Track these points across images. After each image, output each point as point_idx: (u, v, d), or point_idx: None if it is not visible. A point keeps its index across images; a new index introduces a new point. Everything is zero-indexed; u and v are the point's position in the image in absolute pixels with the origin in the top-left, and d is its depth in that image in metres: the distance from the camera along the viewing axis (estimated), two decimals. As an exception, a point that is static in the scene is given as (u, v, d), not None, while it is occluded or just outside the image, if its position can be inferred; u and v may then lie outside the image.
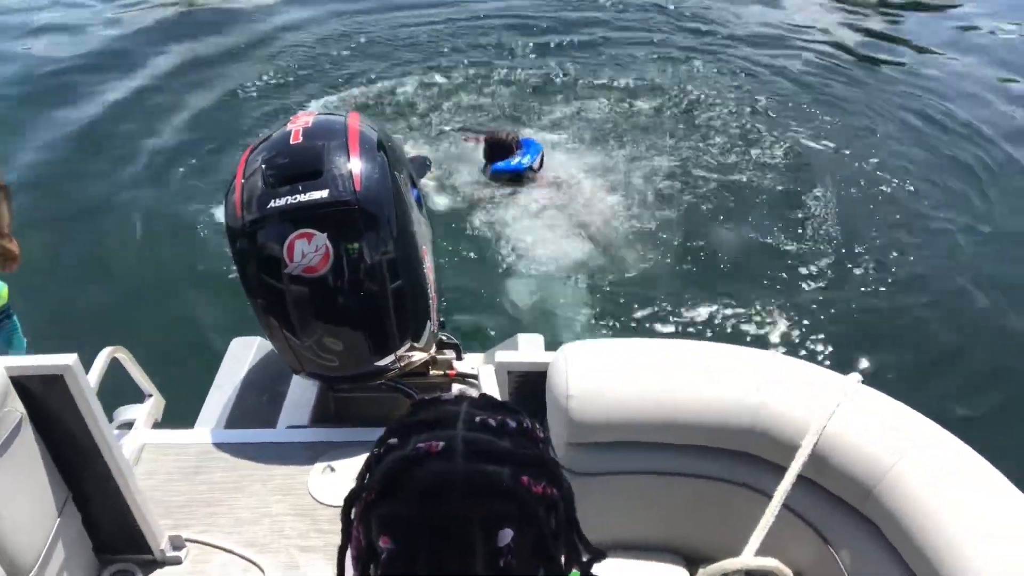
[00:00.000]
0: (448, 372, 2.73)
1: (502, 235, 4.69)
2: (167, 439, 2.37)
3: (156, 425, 2.49)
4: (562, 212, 4.90)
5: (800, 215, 4.93)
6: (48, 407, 1.70)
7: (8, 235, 2.78)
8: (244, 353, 2.83)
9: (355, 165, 2.07)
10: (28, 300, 4.18)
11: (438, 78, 6.84)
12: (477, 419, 0.80)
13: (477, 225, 4.77)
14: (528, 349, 2.70)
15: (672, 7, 8.39)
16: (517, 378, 1.68)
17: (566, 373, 1.48)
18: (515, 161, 4.94)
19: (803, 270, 4.44)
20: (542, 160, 5.07)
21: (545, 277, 4.38)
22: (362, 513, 0.78)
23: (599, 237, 4.74)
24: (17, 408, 1.64)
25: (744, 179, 5.30)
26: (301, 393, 2.70)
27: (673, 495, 1.52)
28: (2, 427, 1.58)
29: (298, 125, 2.16)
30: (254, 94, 6.62)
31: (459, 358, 2.77)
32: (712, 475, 1.50)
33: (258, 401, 2.66)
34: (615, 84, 6.71)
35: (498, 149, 4.97)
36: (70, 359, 1.65)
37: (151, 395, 2.51)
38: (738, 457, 1.49)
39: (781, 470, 1.41)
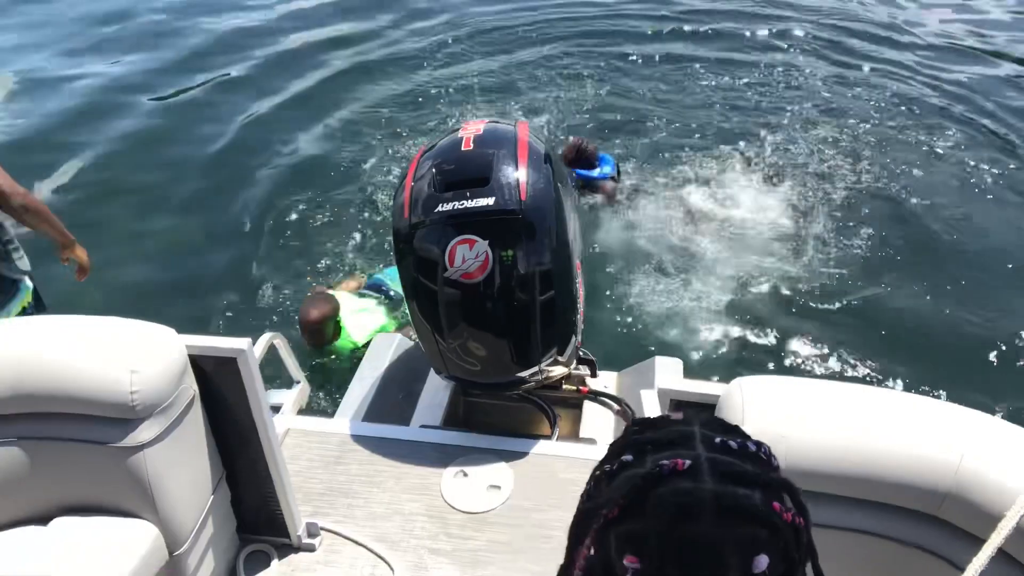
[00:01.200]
0: (581, 388, 2.70)
1: (628, 247, 4.65)
2: (310, 426, 2.45)
3: (300, 412, 2.58)
4: (692, 226, 4.83)
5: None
6: (217, 387, 1.78)
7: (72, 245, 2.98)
8: (385, 350, 2.90)
9: (522, 175, 2.08)
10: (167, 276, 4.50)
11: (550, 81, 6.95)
12: (717, 440, 0.78)
13: (602, 235, 4.76)
14: (667, 374, 2.64)
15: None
16: (679, 406, 1.63)
17: (742, 409, 1.42)
18: (598, 171, 5.07)
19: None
20: (618, 171, 5.21)
21: (675, 295, 4.29)
22: (600, 530, 0.76)
23: (730, 258, 4.61)
24: (192, 386, 1.72)
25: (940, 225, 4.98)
26: (434, 394, 2.73)
27: (849, 553, 1.42)
28: (178, 402, 1.66)
29: (469, 132, 2.18)
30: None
31: (593, 375, 2.74)
32: (895, 536, 1.39)
33: (394, 398, 2.71)
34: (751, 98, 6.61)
35: (582, 157, 5.03)
36: (244, 343, 1.72)
37: (299, 382, 2.61)
38: (928, 520, 1.38)
39: (977, 541, 1.30)
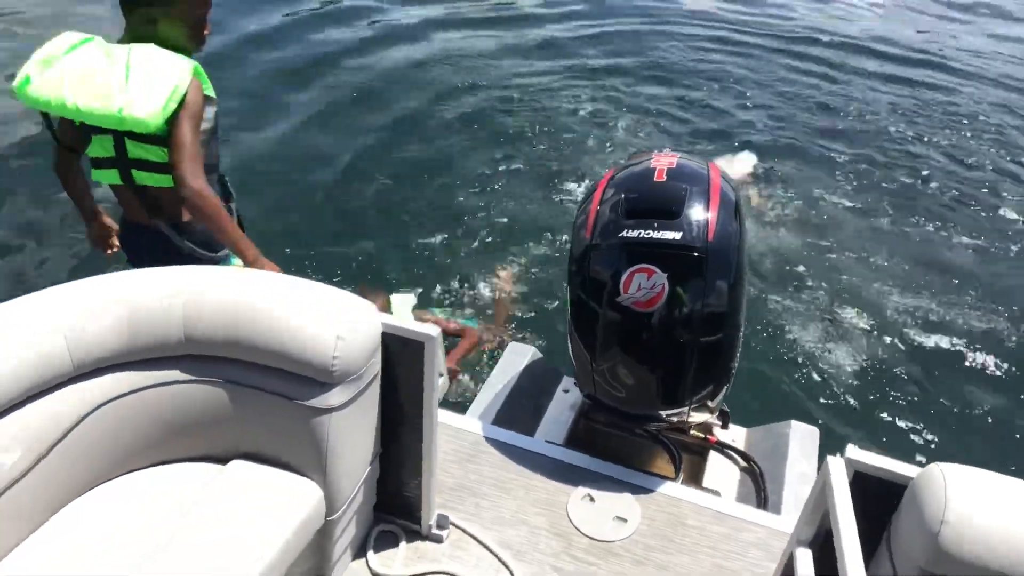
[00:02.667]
0: (708, 437, 2.67)
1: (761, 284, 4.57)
2: (447, 420, 2.50)
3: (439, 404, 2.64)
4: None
5: None
6: (396, 368, 1.84)
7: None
8: (518, 359, 2.94)
9: (712, 216, 2.08)
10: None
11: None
12: None
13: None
14: (804, 442, 2.58)
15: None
16: (862, 479, 1.58)
17: (943, 495, 1.37)
18: None
19: None
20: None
21: (815, 344, 4.18)
22: None
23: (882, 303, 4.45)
24: (379, 362, 1.79)
25: None
26: (560, 411, 2.75)
27: None
28: (367, 374, 1.72)
29: (662, 164, 2.20)
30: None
31: (724, 426, 2.70)
32: None
33: (522, 408, 2.74)
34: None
35: None
36: (434, 331, 1.77)
37: (442, 375, 2.67)
38: None
39: None
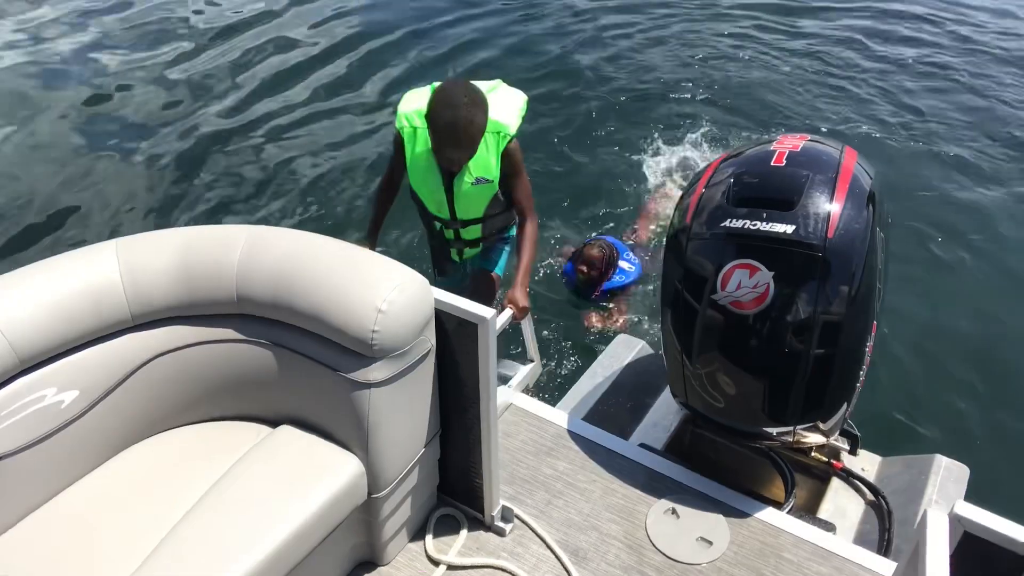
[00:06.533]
0: (833, 462, 2.33)
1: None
2: (531, 407, 2.38)
3: (526, 391, 2.52)
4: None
5: None
6: (454, 347, 1.75)
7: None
8: (624, 352, 2.75)
9: (836, 209, 1.77)
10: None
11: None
12: None
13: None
14: (948, 481, 2.18)
15: None
16: (975, 543, 1.27)
17: None
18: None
19: None
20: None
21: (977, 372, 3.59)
22: None
23: None
24: (431, 339, 1.70)
25: None
26: (663, 414, 2.53)
27: None
28: (414, 351, 1.65)
29: (784, 147, 1.92)
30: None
31: (852, 452, 2.35)
32: None
33: (620, 406, 2.56)
34: None
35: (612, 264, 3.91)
36: (488, 312, 1.65)
37: (533, 361, 2.55)
38: None
39: None
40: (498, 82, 2.61)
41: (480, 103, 2.30)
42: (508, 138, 2.44)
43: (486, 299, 2.77)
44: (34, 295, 1.51)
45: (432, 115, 2.27)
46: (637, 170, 5.13)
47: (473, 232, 2.68)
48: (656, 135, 5.53)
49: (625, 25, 7.63)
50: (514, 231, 2.82)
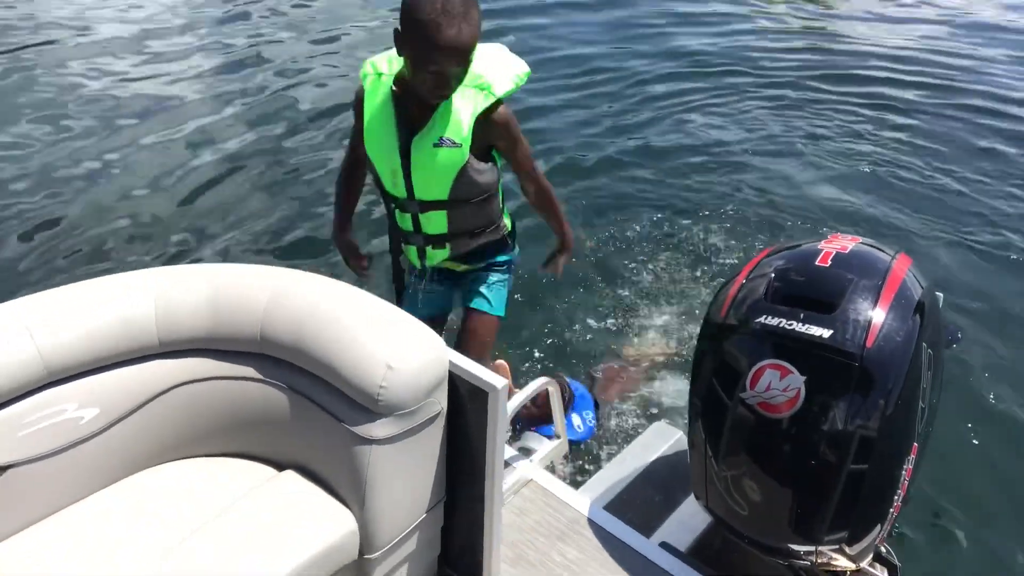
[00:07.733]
0: (869, 593, 2.14)
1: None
2: (551, 487, 2.30)
3: (549, 468, 2.45)
4: None
5: None
6: (466, 413, 1.72)
7: None
8: (658, 441, 2.64)
9: (878, 316, 1.68)
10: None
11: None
12: None
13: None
14: None
15: None
16: None
17: None
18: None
19: None
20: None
21: None
22: None
23: None
24: (441, 402, 1.69)
25: None
26: (693, 513, 2.39)
27: None
28: (422, 412, 1.63)
29: (832, 246, 1.84)
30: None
31: (890, 585, 2.16)
32: None
33: (648, 498, 2.44)
34: None
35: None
36: (500, 382, 1.63)
37: (559, 437, 2.49)
38: None
39: None
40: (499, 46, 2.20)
41: (475, 4, 1.88)
42: (492, 99, 2.01)
43: (479, 348, 2.39)
44: (70, 312, 1.59)
45: (413, 5, 1.84)
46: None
47: (437, 223, 2.20)
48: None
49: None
50: (512, 256, 2.48)
